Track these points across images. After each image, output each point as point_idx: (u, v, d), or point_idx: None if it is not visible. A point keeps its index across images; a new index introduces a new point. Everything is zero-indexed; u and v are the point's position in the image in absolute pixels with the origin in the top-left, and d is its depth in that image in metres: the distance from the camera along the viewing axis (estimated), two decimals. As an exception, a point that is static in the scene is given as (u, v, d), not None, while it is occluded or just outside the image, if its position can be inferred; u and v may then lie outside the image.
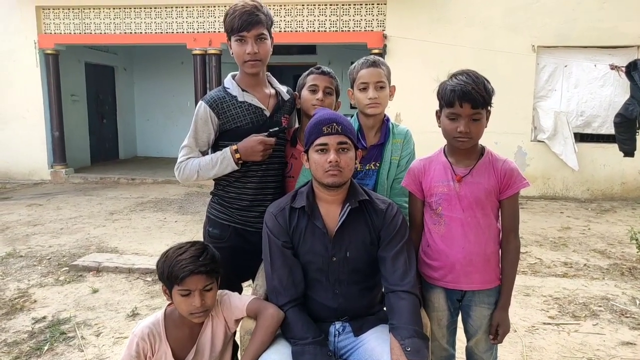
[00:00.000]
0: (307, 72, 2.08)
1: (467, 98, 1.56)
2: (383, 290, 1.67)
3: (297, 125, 2.20)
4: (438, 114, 1.70)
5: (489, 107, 1.63)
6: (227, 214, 1.99)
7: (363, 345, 1.61)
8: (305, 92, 2.04)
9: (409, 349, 1.44)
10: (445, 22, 7.36)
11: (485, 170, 1.68)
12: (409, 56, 7.36)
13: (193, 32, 8.08)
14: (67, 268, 4.09)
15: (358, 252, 1.64)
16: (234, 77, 2.01)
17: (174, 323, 1.63)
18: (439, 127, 1.69)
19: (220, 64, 8.09)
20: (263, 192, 1.98)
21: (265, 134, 1.91)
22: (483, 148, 1.73)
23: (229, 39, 1.92)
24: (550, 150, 7.28)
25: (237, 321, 1.70)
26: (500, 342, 1.76)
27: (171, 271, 1.52)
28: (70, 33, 8.40)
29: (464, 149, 1.66)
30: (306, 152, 1.66)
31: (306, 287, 1.66)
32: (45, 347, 2.77)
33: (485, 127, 1.64)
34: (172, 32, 8.15)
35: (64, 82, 8.78)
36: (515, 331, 2.96)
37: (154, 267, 1.65)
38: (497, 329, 1.73)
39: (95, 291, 3.61)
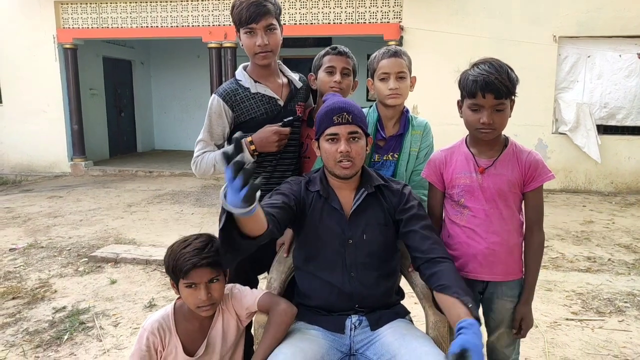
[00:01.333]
0: (323, 51, 2.02)
1: (490, 88, 1.51)
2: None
3: (313, 105, 2.16)
4: (460, 104, 1.64)
5: (512, 97, 1.57)
6: None
7: (380, 340, 1.57)
8: (322, 74, 1.99)
9: (471, 305, 1.36)
10: (463, 14, 7.21)
11: (509, 161, 1.63)
12: (426, 48, 7.24)
13: (208, 25, 8.08)
14: (86, 259, 4.14)
15: (374, 234, 1.63)
16: (245, 68, 1.98)
17: (183, 317, 1.61)
18: (461, 117, 1.64)
19: (235, 57, 8.08)
20: (275, 182, 1.94)
21: (280, 124, 1.88)
22: (507, 139, 1.67)
23: (238, 32, 1.89)
24: (572, 142, 7.11)
25: (250, 315, 1.67)
26: (524, 336, 1.71)
27: (176, 264, 1.51)
28: (88, 27, 8.49)
29: (487, 140, 1.61)
30: (317, 139, 1.64)
31: (322, 271, 1.64)
32: (65, 337, 2.81)
33: (510, 116, 1.58)
34: (188, 26, 8.17)
35: (83, 76, 8.89)
36: (537, 327, 2.89)
37: (170, 259, 1.63)
38: (520, 324, 1.68)
39: (113, 282, 3.64)
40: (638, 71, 6.86)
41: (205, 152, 1.93)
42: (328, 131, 1.57)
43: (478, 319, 1.34)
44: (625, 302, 3.29)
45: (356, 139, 1.57)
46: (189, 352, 1.59)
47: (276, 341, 1.52)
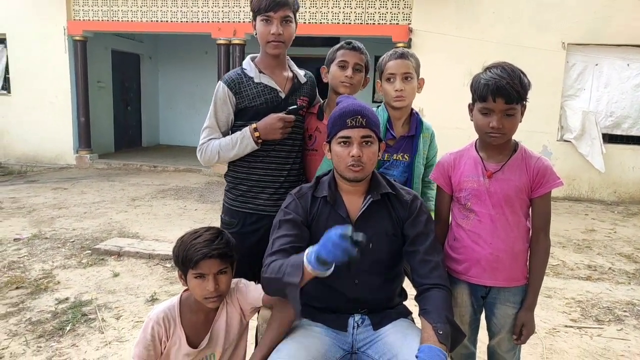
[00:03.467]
0: (337, 45, 2.03)
1: (500, 93, 1.51)
2: (413, 284, 1.65)
3: (322, 100, 2.17)
4: (470, 107, 1.65)
5: (524, 102, 1.58)
6: (237, 199, 2.00)
7: (382, 339, 1.59)
8: (334, 68, 2.00)
9: (441, 332, 1.42)
10: (473, 17, 7.22)
11: (518, 167, 1.63)
12: (435, 51, 7.25)
13: (218, 21, 8.10)
14: (89, 251, 4.17)
15: (381, 244, 1.62)
16: (253, 59, 2.01)
17: (189, 308, 1.63)
18: (471, 120, 1.65)
19: (244, 54, 8.09)
20: (272, 174, 1.97)
21: (285, 112, 1.90)
22: (517, 144, 1.68)
23: (254, 19, 1.92)
24: (577, 150, 7.10)
25: (254, 310, 1.69)
26: (524, 342, 1.73)
27: (186, 255, 1.53)
28: (98, 20, 8.53)
29: (496, 144, 1.62)
30: (328, 142, 1.63)
31: (326, 277, 1.64)
32: (68, 328, 2.83)
33: (520, 122, 1.59)
34: (197, 22, 8.20)
35: (91, 68, 8.93)
36: (536, 333, 2.89)
37: (173, 254, 1.66)
38: (522, 330, 1.69)
39: (116, 275, 3.67)
40: (645, 81, 6.84)
41: (210, 139, 1.96)
42: (341, 134, 1.56)
43: (445, 345, 1.41)
44: (625, 311, 3.29)
45: (369, 144, 1.57)
46: (192, 343, 1.61)
47: (279, 337, 1.54)
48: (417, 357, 1.38)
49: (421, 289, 1.58)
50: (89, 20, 8.55)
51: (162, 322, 1.59)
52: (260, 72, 1.96)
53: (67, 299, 3.24)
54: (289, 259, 1.47)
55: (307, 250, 1.40)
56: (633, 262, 4.34)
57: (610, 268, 4.16)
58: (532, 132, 6.85)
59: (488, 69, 1.58)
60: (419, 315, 1.53)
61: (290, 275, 1.41)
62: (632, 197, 7.04)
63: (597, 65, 7.03)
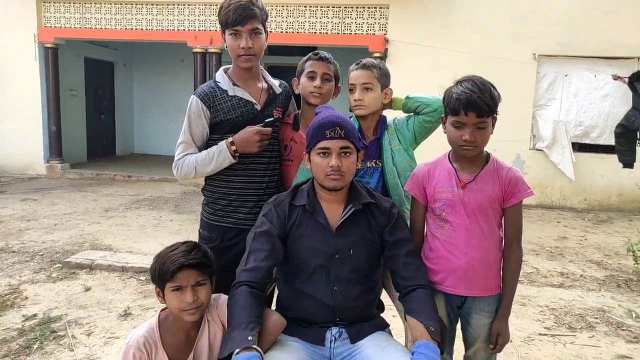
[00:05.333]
0: (305, 57, 2.04)
1: (472, 107, 1.54)
2: (395, 288, 1.66)
3: (297, 111, 2.17)
4: (443, 120, 1.68)
5: (495, 115, 1.61)
6: (216, 214, 1.97)
7: (360, 352, 1.58)
8: (303, 79, 2.01)
9: (433, 329, 1.44)
10: (447, 28, 7.36)
11: (490, 177, 1.66)
12: (410, 60, 7.35)
13: (194, 30, 8.05)
14: (59, 265, 4.04)
15: (361, 250, 1.64)
16: (226, 70, 2.00)
17: (168, 329, 1.59)
18: (444, 132, 1.67)
19: (220, 63, 8.05)
20: (252, 187, 1.95)
21: (261, 124, 1.89)
22: (488, 155, 1.71)
23: (224, 33, 1.90)
24: (549, 159, 7.28)
25: None
26: (500, 351, 1.74)
27: (162, 268, 1.50)
28: (70, 27, 8.35)
29: (469, 156, 1.64)
30: (308, 152, 1.64)
31: (305, 283, 1.64)
32: (35, 346, 2.73)
33: (491, 134, 1.62)
34: (173, 30, 8.12)
35: (63, 76, 8.73)
36: (511, 341, 2.93)
37: (148, 265, 1.63)
38: (497, 338, 1.70)
39: (87, 289, 3.56)
40: (611, 92, 7.08)
41: (186, 154, 1.92)
42: (320, 145, 1.58)
43: (439, 341, 1.43)
44: (596, 317, 3.36)
45: (347, 154, 1.58)
46: None
47: (263, 351, 1.50)
48: (413, 352, 1.39)
49: (405, 290, 1.60)
50: (60, 27, 8.37)
51: (144, 347, 1.53)
52: (234, 84, 1.94)
53: (35, 315, 3.12)
54: (238, 320, 1.43)
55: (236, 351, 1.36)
56: (603, 269, 4.45)
57: (581, 275, 4.26)
58: (505, 141, 6.97)
59: (459, 82, 1.61)
60: (406, 314, 1.55)
61: (224, 345, 1.42)
62: (601, 204, 7.25)
63: (566, 76, 7.25)
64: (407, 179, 1.84)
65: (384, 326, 1.72)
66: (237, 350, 1.33)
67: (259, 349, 1.35)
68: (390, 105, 2.01)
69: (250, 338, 1.36)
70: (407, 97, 1.95)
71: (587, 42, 7.03)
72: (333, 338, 1.62)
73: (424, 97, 1.93)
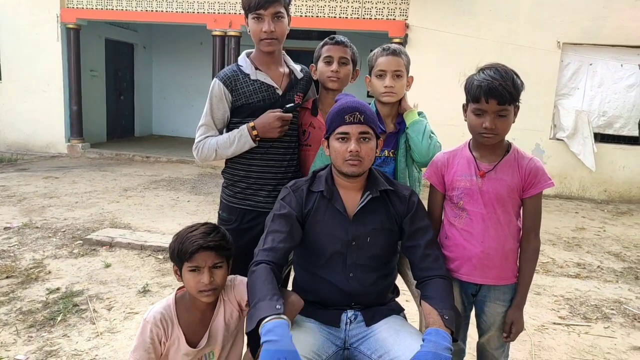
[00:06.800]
0: (322, 42, 2.04)
1: (493, 94, 1.53)
2: (414, 277, 1.67)
3: (316, 96, 2.17)
4: (464, 108, 1.66)
5: (517, 103, 1.60)
6: (235, 196, 2.00)
7: (374, 335, 1.61)
8: (320, 64, 2.02)
9: (447, 318, 1.44)
10: (470, 14, 7.22)
11: (510, 167, 1.65)
12: (431, 47, 7.25)
13: (214, 12, 8.03)
14: (81, 241, 4.15)
15: (379, 238, 1.64)
16: (248, 54, 2.01)
17: (185, 307, 1.62)
18: (465, 120, 1.66)
19: (239, 46, 8.05)
20: (271, 171, 1.97)
21: (282, 109, 1.90)
22: (509, 144, 1.70)
23: (246, 17, 1.91)
24: (569, 149, 7.16)
25: None
26: (513, 340, 1.75)
27: (181, 247, 1.53)
28: (92, 8, 8.42)
29: (489, 144, 1.63)
30: (327, 138, 1.65)
31: (321, 269, 1.66)
32: (59, 318, 2.83)
33: (513, 122, 1.60)
34: (193, 12, 8.12)
35: (84, 57, 8.83)
36: (525, 330, 2.93)
37: (166, 245, 1.66)
38: (511, 327, 1.71)
39: (107, 266, 3.66)
40: (638, 82, 6.90)
41: (207, 136, 1.95)
42: (339, 130, 1.58)
43: (452, 331, 1.42)
44: (612, 309, 3.34)
45: (367, 140, 1.58)
46: (191, 343, 1.60)
47: None
48: (423, 339, 1.40)
49: (423, 279, 1.61)
50: (82, 8, 8.44)
51: (160, 323, 1.57)
52: (256, 68, 1.95)
53: (58, 289, 3.23)
54: (263, 293, 1.41)
55: (266, 320, 1.32)
56: (621, 261, 4.39)
57: (599, 266, 4.22)
58: (525, 130, 6.89)
59: (481, 70, 1.59)
60: (422, 300, 1.55)
61: (250, 318, 1.39)
62: (622, 196, 7.12)
63: (591, 65, 7.08)
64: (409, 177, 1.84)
65: (399, 310, 1.74)
66: (267, 318, 1.31)
67: (287, 317, 1.35)
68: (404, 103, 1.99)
69: (278, 307, 1.34)
70: (417, 120, 1.91)
71: (614, 30, 6.83)
72: (348, 320, 1.65)
73: (421, 138, 1.87)
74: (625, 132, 7.10)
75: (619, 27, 6.81)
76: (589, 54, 7.04)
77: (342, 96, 1.72)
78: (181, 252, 1.53)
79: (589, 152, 7.03)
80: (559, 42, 7.00)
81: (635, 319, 3.19)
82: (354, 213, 1.63)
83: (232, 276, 1.69)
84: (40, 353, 2.48)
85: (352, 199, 1.65)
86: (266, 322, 1.31)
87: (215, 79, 1.95)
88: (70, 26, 8.44)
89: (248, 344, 1.44)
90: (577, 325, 3.08)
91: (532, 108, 6.79)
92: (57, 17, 8.45)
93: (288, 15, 1.93)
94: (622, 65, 6.94)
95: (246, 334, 1.39)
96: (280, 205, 1.65)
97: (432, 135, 1.90)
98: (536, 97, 6.81)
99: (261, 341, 1.28)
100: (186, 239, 1.54)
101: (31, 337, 2.63)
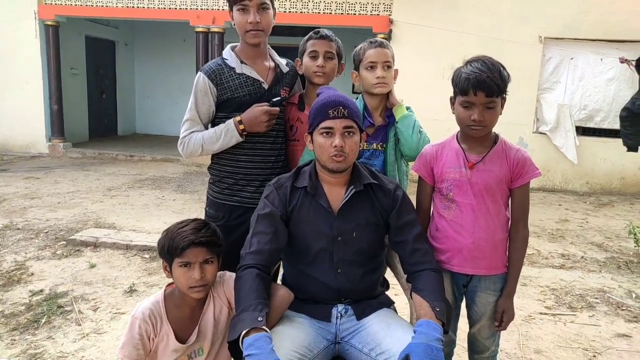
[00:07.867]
0: (306, 37, 2.03)
1: (481, 86, 1.54)
2: (403, 271, 1.67)
3: (302, 90, 2.16)
4: (452, 101, 1.67)
5: (504, 95, 1.61)
6: (222, 192, 1.98)
7: (365, 329, 1.60)
8: (306, 59, 2.01)
9: (438, 309, 1.44)
10: (453, 9, 7.26)
11: (498, 158, 1.67)
12: (415, 42, 7.28)
13: (197, 9, 7.94)
14: (64, 242, 4.07)
15: (364, 233, 1.63)
16: (233, 48, 1.98)
17: (174, 303, 1.61)
18: (453, 113, 1.67)
19: (223, 42, 7.97)
20: (258, 166, 1.95)
21: (268, 103, 1.88)
22: (497, 136, 1.71)
23: (231, 9, 1.88)
24: (551, 142, 7.27)
25: None
26: (505, 329, 1.77)
27: (172, 243, 1.51)
28: (71, 4, 8.25)
29: (477, 136, 1.64)
30: (310, 133, 1.63)
31: (308, 266, 1.65)
32: (43, 320, 2.77)
33: (500, 114, 1.61)
34: (175, 8, 8.02)
35: (64, 55, 8.65)
36: (513, 320, 2.98)
37: (152, 244, 1.64)
38: (502, 316, 1.73)
39: (92, 266, 3.60)
40: (617, 75, 7.02)
41: (192, 132, 1.92)
42: (323, 125, 1.56)
43: (444, 323, 1.43)
44: (596, 298, 3.40)
45: (351, 134, 1.57)
46: (180, 339, 1.59)
47: (271, 326, 1.53)
48: (414, 331, 1.40)
49: (414, 274, 1.61)
50: (61, 4, 8.26)
51: (149, 319, 1.55)
52: (241, 62, 1.92)
53: (41, 290, 3.16)
54: (247, 303, 1.40)
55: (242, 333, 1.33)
56: (604, 251, 4.48)
57: (582, 257, 4.29)
58: (508, 124, 6.90)
59: (469, 62, 1.60)
60: (412, 292, 1.55)
61: (233, 328, 1.39)
62: (603, 187, 7.26)
63: (572, 59, 7.18)
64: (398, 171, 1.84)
65: (389, 303, 1.74)
66: (245, 331, 1.32)
67: (267, 329, 1.35)
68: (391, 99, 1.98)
69: (260, 319, 1.35)
70: (407, 115, 1.91)
71: (594, 25, 6.94)
72: (339, 315, 1.64)
73: (411, 132, 1.87)
74: (605, 125, 7.22)
75: (599, 22, 6.92)
76: (570, 48, 7.14)
77: (324, 89, 1.70)
78: (172, 247, 1.51)
79: (571, 146, 7.15)
80: (540, 36, 7.09)
81: (619, 307, 3.25)
82: (338, 208, 1.61)
83: (222, 272, 1.68)
84: (25, 356, 2.43)
85: (336, 194, 1.63)
86: (247, 337, 1.32)
87: (199, 72, 1.92)
88: (49, 23, 8.26)
89: (230, 351, 1.43)
90: (563, 314, 3.13)
91: (515, 102, 6.82)
92: (35, 13, 8.26)
93: (273, 7, 1.91)
94: (602, 59, 7.06)
95: (227, 342, 1.40)
96: (264, 204, 1.63)
97: (421, 130, 1.91)
98: (519, 91, 6.88)
99: (243, 354, 1.29)
100: (177, 234, 1.52)
101: (14, 340, 2.57)
